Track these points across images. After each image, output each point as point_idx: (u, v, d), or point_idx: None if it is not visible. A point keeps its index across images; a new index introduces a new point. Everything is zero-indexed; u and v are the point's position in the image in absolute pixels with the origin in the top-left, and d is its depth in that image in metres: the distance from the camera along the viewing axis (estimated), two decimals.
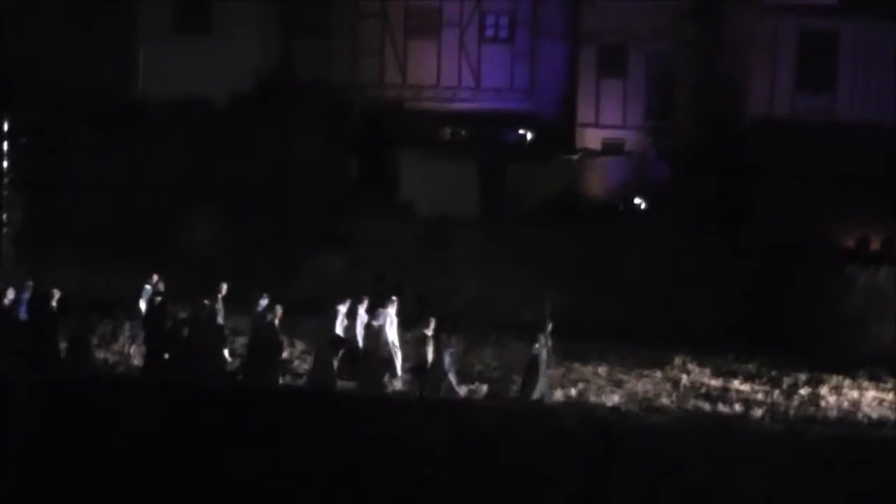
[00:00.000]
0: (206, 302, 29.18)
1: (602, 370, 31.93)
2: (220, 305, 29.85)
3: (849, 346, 34.17)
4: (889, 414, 29.38)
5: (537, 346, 28.43)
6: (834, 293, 35.30)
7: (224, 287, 30.19)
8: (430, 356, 27.99)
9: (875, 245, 37.26)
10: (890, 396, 30.84)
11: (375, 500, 24.44)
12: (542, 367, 28.49)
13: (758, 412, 28.86)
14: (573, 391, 29.88)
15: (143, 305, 30.50)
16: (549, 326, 28.70)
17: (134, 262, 35.80)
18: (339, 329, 29.01)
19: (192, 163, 38.36)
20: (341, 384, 28.78)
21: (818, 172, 37.91)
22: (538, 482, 25.28)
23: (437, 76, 42.79)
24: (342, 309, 29.13)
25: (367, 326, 28.77)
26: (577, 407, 28.43)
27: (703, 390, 30.74)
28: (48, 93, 39.00)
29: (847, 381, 31.83)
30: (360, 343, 29.05)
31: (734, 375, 32.16)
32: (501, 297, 36.60)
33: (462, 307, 35.75)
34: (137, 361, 30.27)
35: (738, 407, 29.26)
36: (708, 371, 32.41)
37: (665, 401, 29.62)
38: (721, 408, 29.18)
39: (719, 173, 39.53)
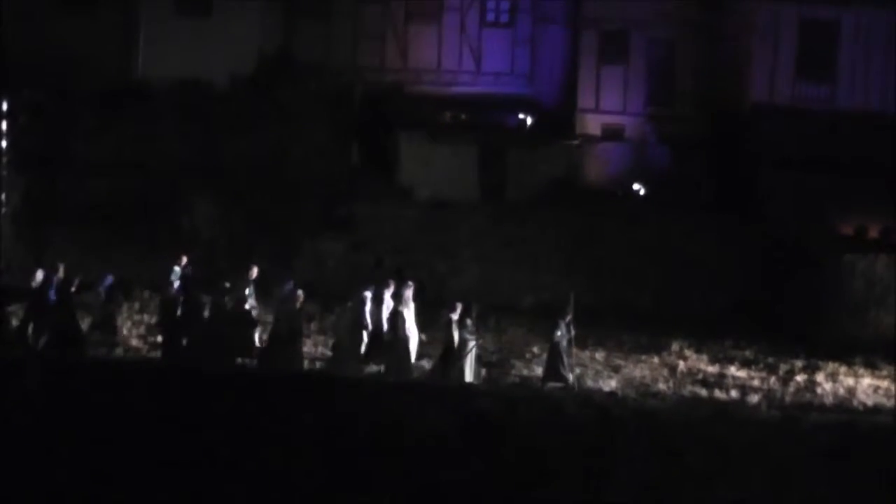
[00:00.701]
0: (227, 285, 29.20)
1: (599, 355, 32.00)
2: (250, 289, 29.77)
3: (846, 333, 34.23)
4: (884, 401, 29.48)
5: (559, 333, 28.50)
6: (832, 280, 35.33)
7: (255, 270, 30.11)
8: (456, 340, 28.11)
9: (874, 233, 37.33)
10: (885, 384, 30.93)
11: (372, 484, 24.50)
12: (564, 354, 28.57)
13: (754, 398, 28.95)
14: (570, 376, 29.93)
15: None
16: (570, 314, 28.72)
17: (133, 244, 35.90)
18: (366, 315, 29.00)
19: (193, 145, 38.34)
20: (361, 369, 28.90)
21: (818, 160, 37.97)
22: (536, 467, 25.35)
23: (438, 60, 42.81)
24: (368, 295, 29.13)
25: (395, 313, 28.75)
26: (574, 392, 28.51)
27: (700, 376, 30.83)
28: (48, 72, 38.96)
29: (843, 369, 31.93)
30: (385, 327, 29.09)
31: (731, 362, 32.25)
32: (501, 281, 36.69)
33: (461, 291, 35.75)
34: (136, 342, 30.39)
35: (734, 393, 29.36)
36: (705, 357, 32.49)
37: (662, 386, 29.71)
38: (717, 394, 29.27)
39: (719, 160, 39.60)
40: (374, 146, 40.00)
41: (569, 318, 28.71)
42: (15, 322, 29.67)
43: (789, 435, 26.07)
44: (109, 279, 30.04)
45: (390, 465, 24.80)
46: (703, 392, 29.42)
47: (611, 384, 29.42)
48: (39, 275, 29.27)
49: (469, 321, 28.30)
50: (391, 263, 36.83)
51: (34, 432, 24.07)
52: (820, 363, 32.18)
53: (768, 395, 29.35)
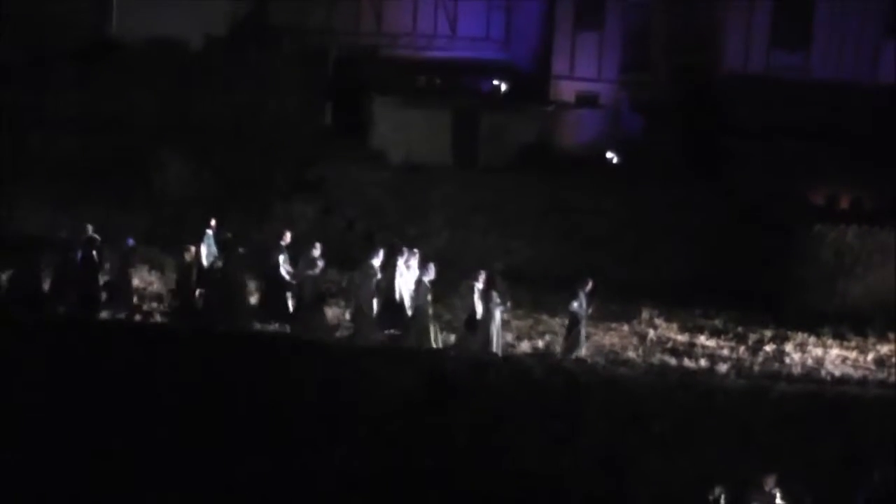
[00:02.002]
0: (241, 250, 29.08)
1: None
2: (284, 255, 29.63)
3: (815, 303, 34.37)
4: (852, 372, 29.67)
5: (575, 304, 28.46)
6: (802, 251, 35.47)
7: (288, 235, 30.02)
8: (479, 309, 28.08)
9: (844, 203, 37.48)
10: (853, 354, 31.10)
11: (344, 447, 24.63)
12: (581, 326, 28.56)
13: (723, 368, 29.10)
14: (540, 343, 30.05)
15: (204, 252, 30.33)
16: (590, 286, 28.66)
17: (104, 202, 35.78)
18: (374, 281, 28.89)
19: (166, 104, 38.18)
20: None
21: (791, 130, 38.08)
22: (504, 432, 25.49)
23: (413, 24, 42.68)
24: (376, 263, 29.01)
25: (418, 281, 28.53)
26: (543, 358, 28.61)
27: (670, 345, 30.94)
28: (20, 29, 38.71)
29: (812, 339, 32.07)
30: (398, 294, 28.96)
31: (700, 331, 32.34)
32: (472, 246, 36.66)
33: (432, 255, 35.76)
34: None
35: (703, 362, 29.49)
36: (675, 326, 32.58)
37: (631, 354, 29.82)
38: (687, 363, 29.40)
39: (693, 127, 39.65)
40: (348, 109, 39.92)
41: (589, 287, 28.63)
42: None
43: (757, 404, 26.25)
44: (130, 242, 29.88)
45: (354, 427, 24.97)
46: (673, 361, 29.52)
47: (580, 351, 29.45)
48: (65, 234, 29.38)
49: (495, 291, 28.19)
50: (363, 227, 36.90)
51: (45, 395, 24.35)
52: (789, 333, 32.32)
53: (737, 364, 29.49)
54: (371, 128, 39.40)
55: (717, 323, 33.17)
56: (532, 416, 25.67)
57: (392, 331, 28.96)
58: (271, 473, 23.54)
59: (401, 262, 29.19)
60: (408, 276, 29.03)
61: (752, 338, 31.90)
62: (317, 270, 28.76)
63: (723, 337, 31.95)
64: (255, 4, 41.25)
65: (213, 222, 30.74)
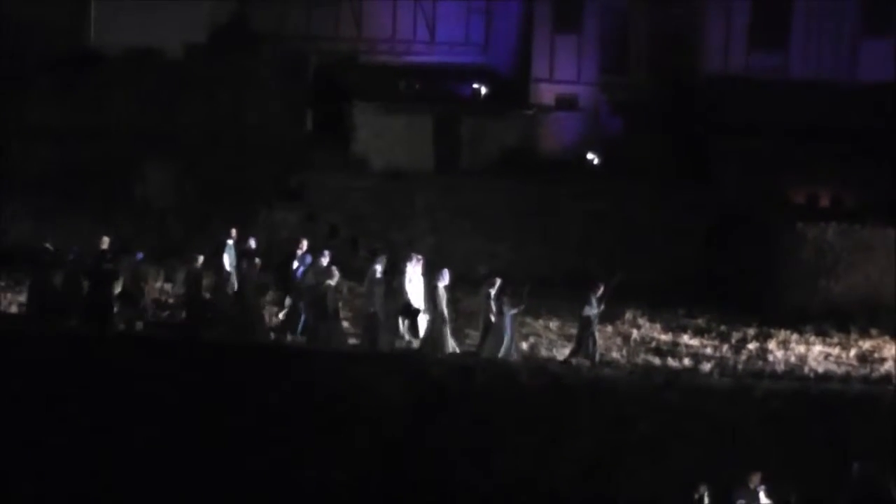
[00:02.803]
0: (257, 260, 28.98)
1: (554, 324, 32.12)
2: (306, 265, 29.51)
3: (797, 301, 34.46)
4: (834, 368, 29.79)
5: (588, 307, 28.54)
6: (784, 249, 35.58)
7: (304, 243, 29.96)
8: (493, 315, 28.17)
9: (825, 201, 37.62)
10: (836, 351, 31.23)
11: (333, 453, 24.70)
12: (594, 330, 28.64)
13: (706, 367, 29.19)
14: (525, 345, 30.09)
15: (226, 261, 30.21)
16: (601, 290, 28.73)
17: (86, 213, 35.74)
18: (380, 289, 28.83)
19: (147, 113, 38.17)
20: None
21: (771, 129, 38.19)
22: (489, 434, 25.56)
23: (393, 29, 42.72)
24: (379, 268, 28.97)
25: (433, 288, 28.61)
26: (528, 361, 28.67)
27: (654, 345, 31.03)
28: None
29: (794, 336, 32.17)
30: (410, 299, 28.96)
31: (684, 330, 32.44)
32: (456, 250, 36.67)
33: None
34: None
35: (687, 361, 29.58)
36: (658, 326, 32.67)
37: (616, 355, 29.89)
38: (671, 362, 29.49)
39: (673, 128, 39.75)
40: (329, 116, 39.92)
41: (600, 292, 28.72)
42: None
43: (741, 402, 26.36)
44: (140, 255, 29.84)
45: (347, 433, 25.01)
46: (657, 361, 29.62)
47: (565, 353, 29.54)
48: (76, 248, 29.48)
49: (505, 298, 28.24)
50: (346, 234, 36.93)
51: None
52: (772, 331, 32.42)
53: (721, 363, 29.59)
54: (352, 134, 39.39)
55: (701, 322, 33.26)
56: (519, 419, 25.74)
57: (400, 337, 28.98)
58: (268, 479, 23.64)
59: (409, 267, 29.21)
60: (416, 283, 29.09)
61: (736, 336, 32.00)
62: (334, 280, 28.63)
63: (706, 336, 32.06)
64: (235, 12, 41.23)
65: (233, 231, 30.68)
